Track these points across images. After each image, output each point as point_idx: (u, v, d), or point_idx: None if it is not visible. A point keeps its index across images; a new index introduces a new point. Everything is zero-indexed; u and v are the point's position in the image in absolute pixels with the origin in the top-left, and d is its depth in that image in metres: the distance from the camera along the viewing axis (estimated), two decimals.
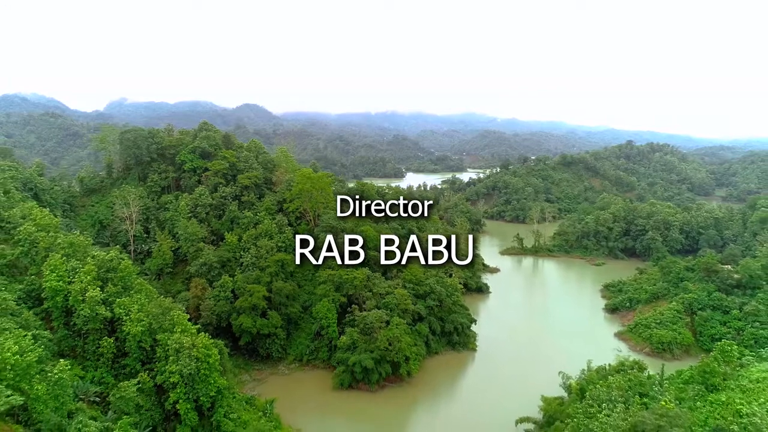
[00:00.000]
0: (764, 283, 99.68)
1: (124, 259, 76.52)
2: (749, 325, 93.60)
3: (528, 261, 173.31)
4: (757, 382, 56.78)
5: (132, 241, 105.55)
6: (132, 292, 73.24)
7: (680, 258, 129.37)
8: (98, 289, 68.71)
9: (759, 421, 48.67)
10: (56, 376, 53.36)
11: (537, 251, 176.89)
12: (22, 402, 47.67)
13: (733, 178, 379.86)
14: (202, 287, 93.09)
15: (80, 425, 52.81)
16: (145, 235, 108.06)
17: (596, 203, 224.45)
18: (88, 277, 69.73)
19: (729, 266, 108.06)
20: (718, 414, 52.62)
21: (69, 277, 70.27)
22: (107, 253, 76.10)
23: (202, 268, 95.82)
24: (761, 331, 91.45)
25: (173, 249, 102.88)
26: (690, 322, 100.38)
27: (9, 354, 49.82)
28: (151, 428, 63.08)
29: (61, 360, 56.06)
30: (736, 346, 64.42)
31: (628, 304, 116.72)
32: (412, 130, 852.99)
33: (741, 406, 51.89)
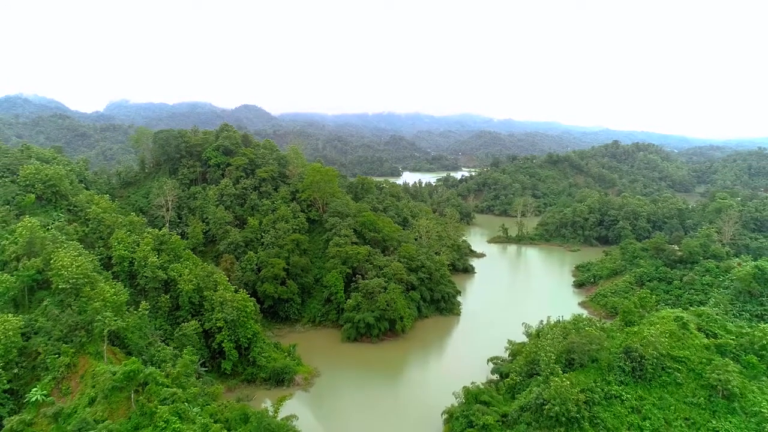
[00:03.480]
0: (701, 258, 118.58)
1: (173, 235, 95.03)
2: (686, 293, 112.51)
3: (512, 248, 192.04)
4: (662, 318, 75.49)
5: (168, 225, 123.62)
6: (182, 260, 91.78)
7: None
8: (156, 257, 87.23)
9: (653, 339, 67.45)
10: (140, 312, 72.08)
11: (520, 240, 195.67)
12: (124, 326, 66.09)
13: (714, 175, 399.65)
14: (230, 262, 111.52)
15: (159, 348, 71.44)
16: (178, 220, 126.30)
17: (575, 197, 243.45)
18: (147, 247, 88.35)
19: (675, 246, 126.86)
20: (630, 340, 71.13)
21: (132, 248, 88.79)
22: (160, 230, 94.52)
23: (229, 246, 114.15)
24: (695, 297, 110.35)
25: (203, 231, 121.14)
26: (655, 302, 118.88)
27: (108, 294, 68.28)
28: (202, 362, 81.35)
29: (142, 302, 74.61)
30: (653, 296, 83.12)
31: (592, 279, 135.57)
32: (409, 131, 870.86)
33: (646, 333, 70.47)
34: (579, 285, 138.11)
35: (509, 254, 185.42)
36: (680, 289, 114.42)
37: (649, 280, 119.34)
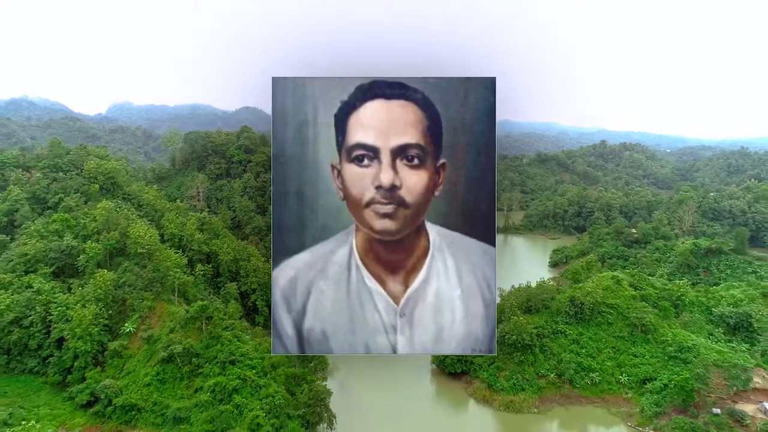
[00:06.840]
0: (653, 238, 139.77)
1: (212, 217, 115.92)
2: (639, 268, 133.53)
3: (499, 237, 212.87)
4: (602, 277, 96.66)
5: (204, 212, 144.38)
6: (220, 237, 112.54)
7: None
8: (200, 234, 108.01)
9: (591, 290, 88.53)
10: (198, 272, 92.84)
11: (506, 230, 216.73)
12: (188, 280, 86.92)
13: (696, 173, 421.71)
14: (255, 243, 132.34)
15: (211, 300, 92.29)
16: (207, 209, 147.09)
17: (557, 192, 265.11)
18: (193, 227, 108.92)
19: (633, 229, 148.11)
20: (575, 292, 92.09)
21: (180, 227, 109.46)
22: (200, 213, 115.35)
23: (254, 230, 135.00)
24: (646, 270, 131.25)
25: (230, 218, 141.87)
26: (601, 267, 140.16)
27: (173, 258, 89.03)
28: (241, 315, 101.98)
29: (198, 265, 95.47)
30: (598, 261, 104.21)
31: (564, 260, 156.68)
32: None
33: (587, 287, 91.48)
34: (553, 265, 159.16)
35: (496, 242, 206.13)
36: (634, 265, 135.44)
37: (609, 258, 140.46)
